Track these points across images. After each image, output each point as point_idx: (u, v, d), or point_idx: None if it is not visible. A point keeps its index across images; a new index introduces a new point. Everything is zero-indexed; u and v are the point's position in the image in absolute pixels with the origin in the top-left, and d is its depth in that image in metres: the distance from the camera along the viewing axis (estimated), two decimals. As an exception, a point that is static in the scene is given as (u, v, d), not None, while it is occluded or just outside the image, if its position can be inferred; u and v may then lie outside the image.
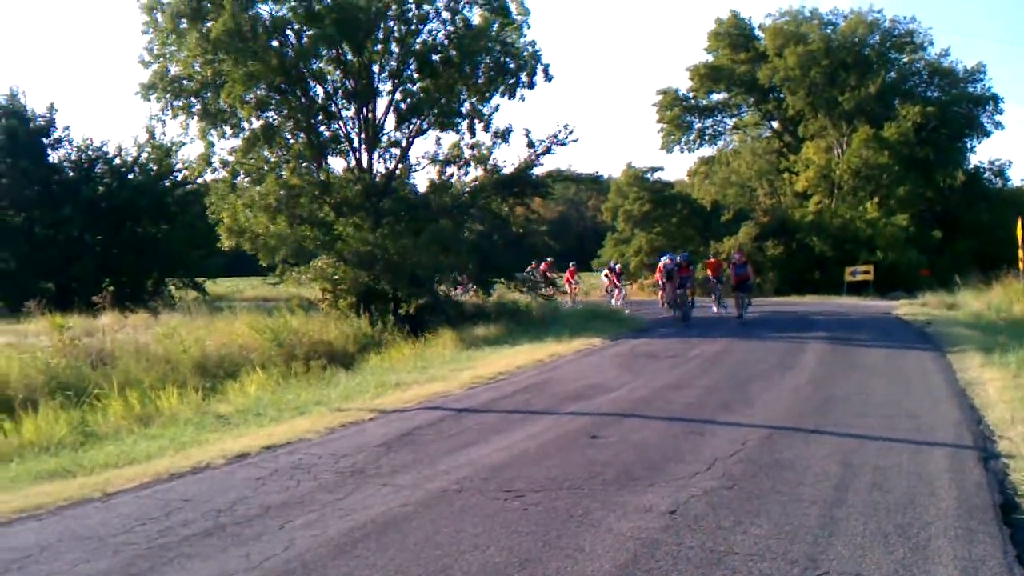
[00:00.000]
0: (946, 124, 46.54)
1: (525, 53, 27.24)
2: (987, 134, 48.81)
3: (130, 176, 39.14)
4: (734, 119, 56.69)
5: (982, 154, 58.09)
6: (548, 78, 27.64)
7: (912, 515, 6.73)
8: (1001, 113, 48.60)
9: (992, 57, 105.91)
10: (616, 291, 34.17)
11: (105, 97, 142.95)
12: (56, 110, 38.87)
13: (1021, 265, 28.11)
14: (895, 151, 44.00)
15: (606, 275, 36.74)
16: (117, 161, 39.24)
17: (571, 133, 28.10)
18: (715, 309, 28.42)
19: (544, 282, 29.36)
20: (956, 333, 20.59)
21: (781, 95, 50.39)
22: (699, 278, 34.77)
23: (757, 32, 51.79)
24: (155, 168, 39.83)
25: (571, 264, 36.91)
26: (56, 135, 38.50)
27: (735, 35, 51.81)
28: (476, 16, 27.27)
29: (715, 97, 54.60)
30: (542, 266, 31.89)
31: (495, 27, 26.86)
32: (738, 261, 26.90)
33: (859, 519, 6.65)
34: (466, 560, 5.86)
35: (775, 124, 54.81)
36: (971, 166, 50.03)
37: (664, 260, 27.98)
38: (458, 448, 9.16)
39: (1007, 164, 52.53)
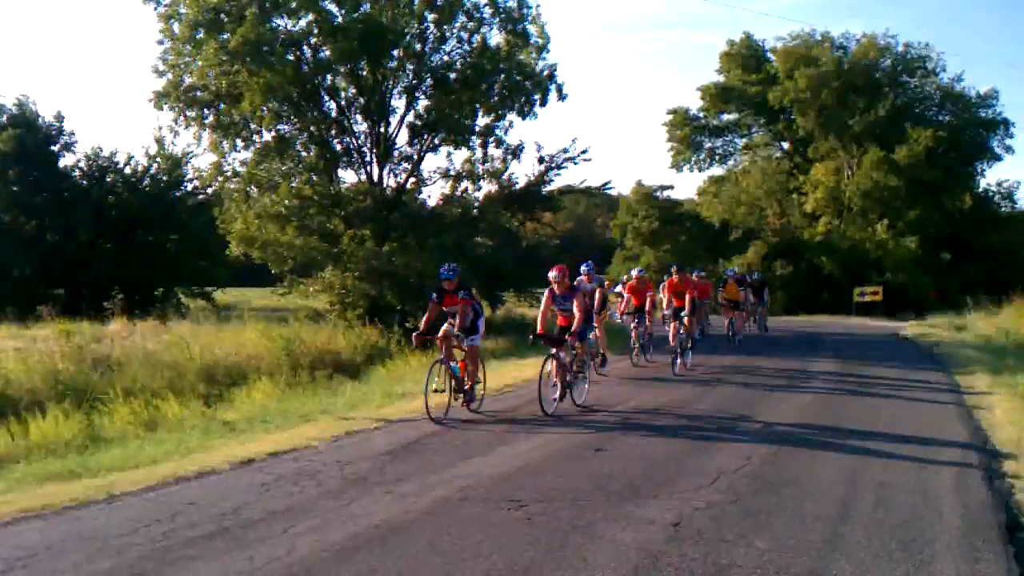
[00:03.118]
0: (956, 148, 46.53)
1: (543, 73, 27.36)
2: (998, 158, 48.88)
3: (141, 185, 39.31)
4: (744, 139, 56.74)
5: (991, 177, 58.71)
6: (562, 97, 27.78)
7: (916, 532, 6.72)
8: (1012, 137, 48.64)
9: (1006, 81, 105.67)
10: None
11: (117, 106, 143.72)
12: (63, 118, 39.11)
13: (1030, 288, 28.05)
14: (905, 174, 43.98)
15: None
16: (128, 170, 39.42)
17: (583, 152, 28.17)
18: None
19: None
20: (964, 355, 20.54)
21: (791, 116, 50.41)
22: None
23: (769, 54, 51.88)
24: (165, 178, 40.01)
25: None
26: (64, 142, 38.68)
27: (747, 56, 51.91)
28: (495, 38, 27.43)
29: (726, 117, 54.65)
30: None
31: (513, 49, 26.99)
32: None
33: (863, 535, 6.64)
34: (468, 568, 5.86)
35: (785, 145, 54.81)
36: (980, 189, 50.04)
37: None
38: (463, 458, 9.16)
39: (1015, 185, 52.34)
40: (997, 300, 30.09)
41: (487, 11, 26.97)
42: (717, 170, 57.18)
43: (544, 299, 13.08)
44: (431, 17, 26.39)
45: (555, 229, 39.45)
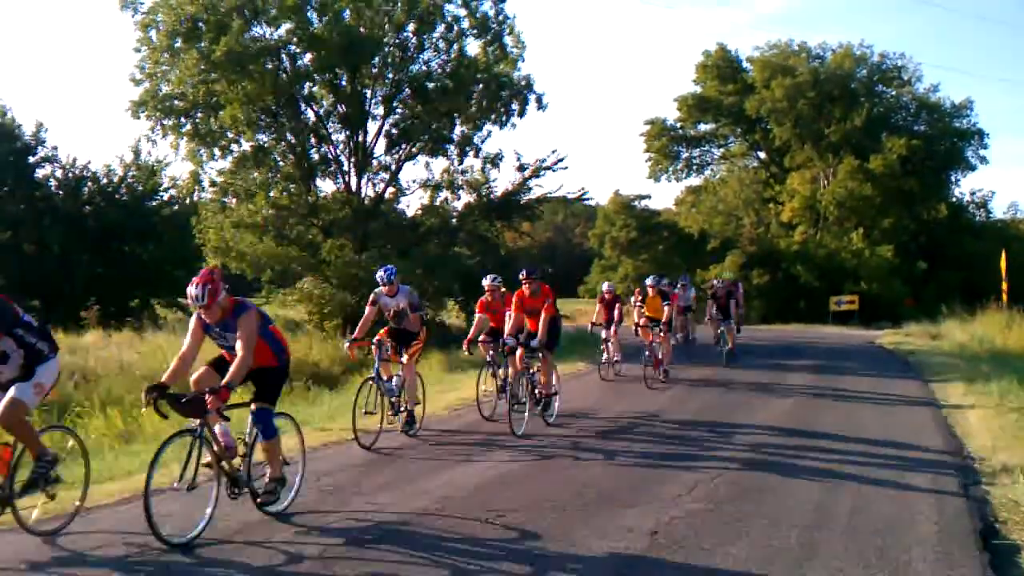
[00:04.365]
0: (931, 157, 47.02)
1: (520, 83, 27.43)
2: (972, 168, 49.50)
3: (117, 195, 39.05)
4: (721, 149, 57.06)
5: (966, 187, 59.41)
6: (541, 107, 27.92)
7: (893, 539, 6.75)
8: (986, 148, 49.32)
9: (982, 92, 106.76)
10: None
11: (94, 114, 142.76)
12: (45, 128, 38.84)
13: (1004, 296, 28.24)
14: (880, 183, 44.38)
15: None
16: (104, 180, 39.17)
17: (560, 160, 28.24)
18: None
19: None
20: (939, 363, 20.68)
21: (768, 126, 50.76)
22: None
23: (745, 64, 52.21)
24: (141, 187, 39.75)
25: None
26: (43, 154, 38.42)
27: (723, 67, 52.19)
28: (472, 47, 27.50)
29: (702, 127, 54.91)
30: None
31: (490, 59, 27.05)
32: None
33: (839, 542, 6.67)
34: (446, 578, 5.85)
35: (762, 154, 55.15)
36: (955, 199, 50.56)
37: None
38: (441, 469, 9.13)
39: (990, 195, 53.06)
40: (972, 309, 30.28)
41: (465, 22, 27.06)
42: (695, 180, 57.63)
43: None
44: (410, 27, 26.45)
45: (533, 238, 39.48)
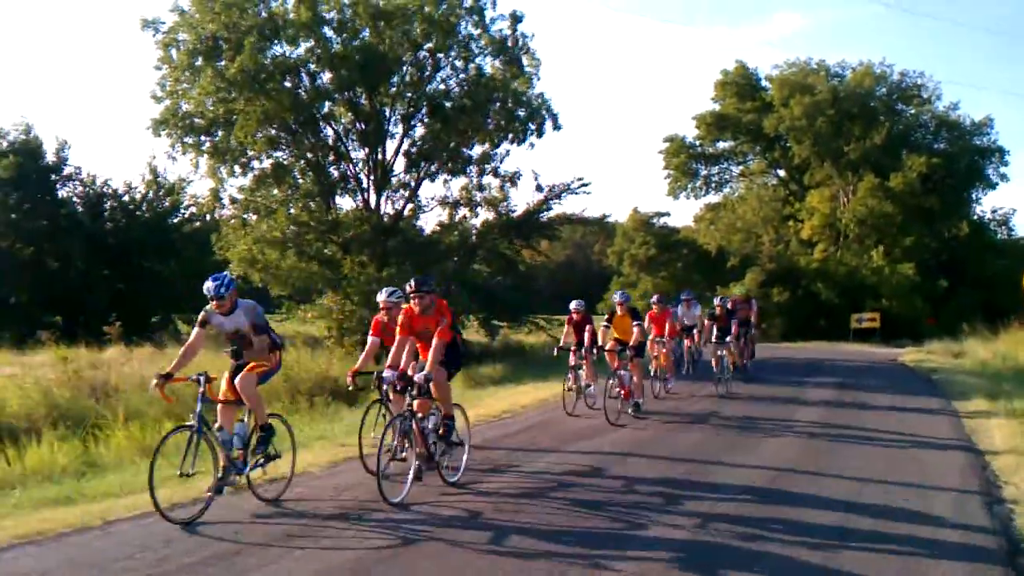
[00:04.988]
0: (952, 175, 46.76)
1: (535, 103, 27.52)
2: (993, 186, 49.27)
3: (138, 212, 39.41)
4: (740, 167, 56.97)
5: (987, 204, 59.13)
6: (556, 127, 27.98)
7: (917, 558, 6.67)
8: (1007, 165, 49.14)
9: (1002, 109, 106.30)
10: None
11: (115, 132, 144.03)
12: (68, 146, 39.29)
13: (1027, 314, 28.03)
14: (900, 201, 44.17)
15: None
16: (125, 198, 39.54)
17: (584, 185, 28.34)
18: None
19: None
20: (962, 381, 20.52)
21: (787, 144, 50.67)
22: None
23: (764, 82, 52.16)
24: (162, 205, 40.11)
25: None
26: (68, 172, 38.84)
27: (742, 85, 52.16)
28: (488, 66, 27.61)
29: (721, 145, 54.86)
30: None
31: (507, 77, 27.14)
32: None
33: (863, 561, 6.60)
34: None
35: (781, 172, 55.04)
36: (976, 216, 50.28)
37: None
38: (464, 484, 9.10)
39: (1011, 213, 52.59)
40: (993, 327, 30.07)
41: (482, 40, 27.16)
42: (713, 197, 57.45)
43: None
44: (428, 46, 26.57)
45: (549, 257, 39.52)
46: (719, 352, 17.90)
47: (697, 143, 54.47)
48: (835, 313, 42.39)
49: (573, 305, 15.60)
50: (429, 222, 29.79)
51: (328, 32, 25.77)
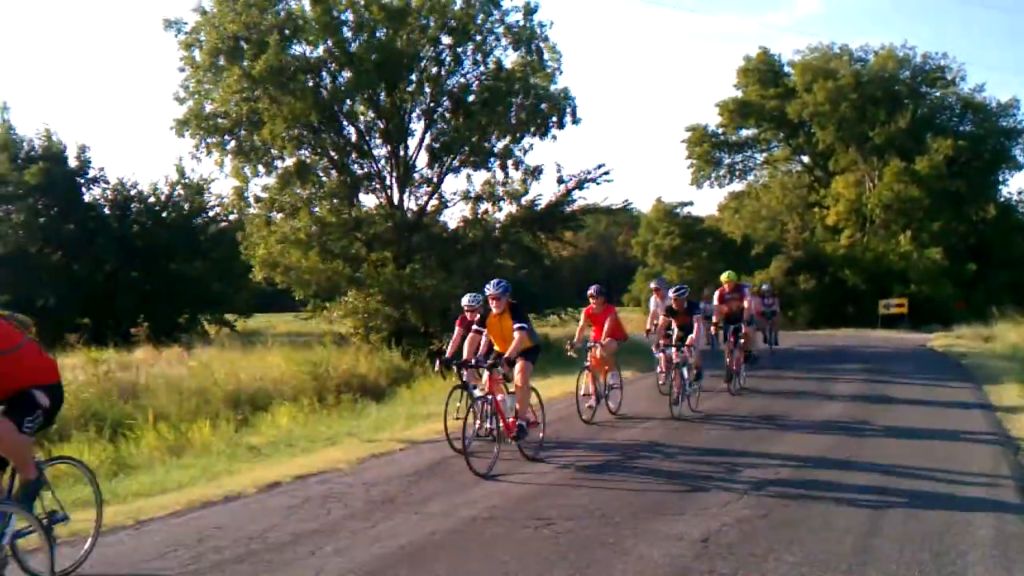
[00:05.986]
0: (978, 158, 46.32)
1: (557, 95, 27.44)
2: (1020, 167, 48.64)
3: (164, 214, 39.71)
4: (764, 154, 56.67)
5: (1014, 186, 58.29)
6: (576, 121, 27.82)
7: (948, 544, 6.65)
8: (1034, 146, 48.38)
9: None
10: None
11: (139, 133, 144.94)
12: (89, 148, 39.54)
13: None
14: (927, 185, 43.79)
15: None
16: (151, 199, 39.84)
17: (605, 173, 28.22)
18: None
19: None
20: (992, 365, 20.36)
21: (811, 130, 50.35)
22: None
23: (786, 68, 51.81)
24: (188, 205, 40.37)
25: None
26: (93, 175, 39.16)
27: (764, 71, 51.84)
28: (508, 61, 27.55)
29: (744, 132, 54.57)
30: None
31: (527, 71, 27.08)
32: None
33: (894, 547, 6.57)
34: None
35: (805, 158, 54.70)
36: (1003, 198, 49.79)
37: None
38: (489, 477, 9.12)
39: (1038, 194, 52.08)
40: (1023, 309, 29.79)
41: (500, 31, 27.09)
42: (737, 185, 57.24)
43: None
44: (446, 40, 26.53)
45: (576, 247, 39.45)
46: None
47: (720, 131, 54.21)
48: (862, 299, 42.13)
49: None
50: (453, 217, 29.50)
51: (345, 31, 25.79)
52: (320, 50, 25.95)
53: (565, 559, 6.38)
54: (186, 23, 25.69)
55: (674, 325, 14.17)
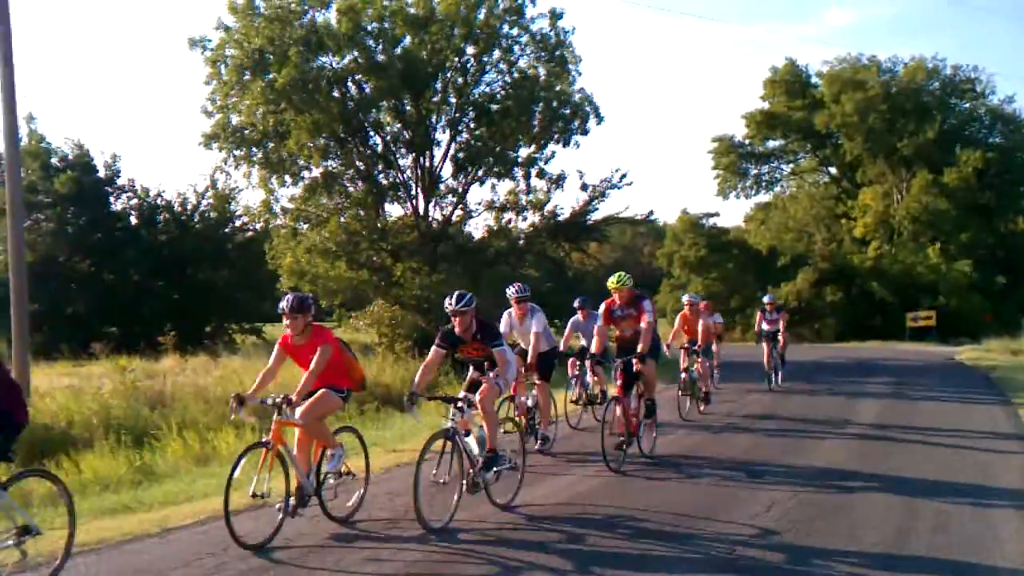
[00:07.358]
0: (1008, 169, 46.05)
1: (577, 98, 27.45)
2: (1050, 179, 48.19)
3: (191, 223, 40.03)
4: (791, 165, 56.52)
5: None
6: (599, 120, 27.78)
7: (977, 558, 6.56)
8: (1064, 157, 47.97)
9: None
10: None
11: (166, 145, 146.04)
12: (119, 158, 39.98)
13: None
14: (955, 197, 43.52)
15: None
16: (178, 209, 40.19)
17: (624, 176, 28.15)
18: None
19: None
20: (1022, 379, 20.13)
21: (838, 141, 50.15)
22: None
23: (814, 79, 51.67)
24: (215, 216, 40.68)
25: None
26: (120, 184, 39.58)
27: (791, 82, 51.72)
28: (530, 68, 27.56)
29: (771, 144, 54.46)
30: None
31: (550, 77, 27.11)
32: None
33: (923, 560, 6.50)
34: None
35: (832, 170, 54.49)
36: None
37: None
38: (513, 488, 9.08)
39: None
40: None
41: (523, 38, 27.15)
42: (764, 196, 57.20)
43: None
44: (470, 50, 26.64)
45: (599, 260, 39.38)
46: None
47: (747, 142, 54.12)
48: (890, 312, 41.89)
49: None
50: (477, 227, 29.52)
51: (369, 41, 25.93)
52: (346, 60, 26.10)
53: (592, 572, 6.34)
54: (210, 40, 25.98)
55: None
